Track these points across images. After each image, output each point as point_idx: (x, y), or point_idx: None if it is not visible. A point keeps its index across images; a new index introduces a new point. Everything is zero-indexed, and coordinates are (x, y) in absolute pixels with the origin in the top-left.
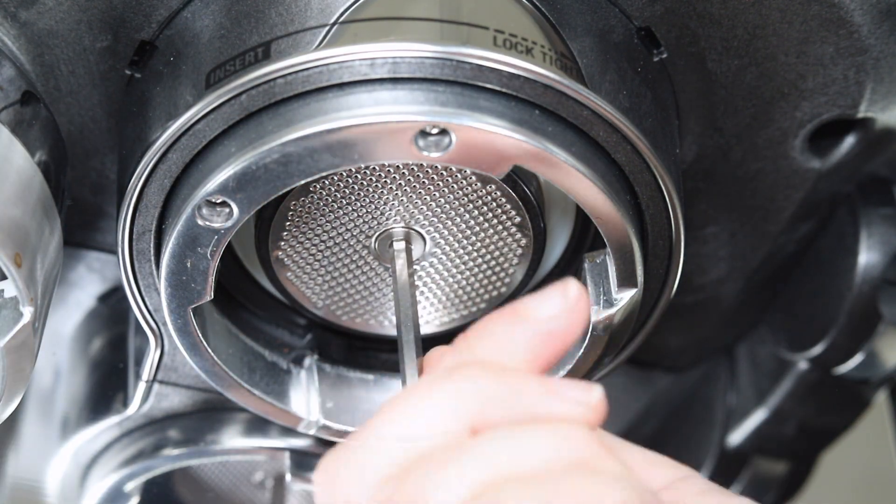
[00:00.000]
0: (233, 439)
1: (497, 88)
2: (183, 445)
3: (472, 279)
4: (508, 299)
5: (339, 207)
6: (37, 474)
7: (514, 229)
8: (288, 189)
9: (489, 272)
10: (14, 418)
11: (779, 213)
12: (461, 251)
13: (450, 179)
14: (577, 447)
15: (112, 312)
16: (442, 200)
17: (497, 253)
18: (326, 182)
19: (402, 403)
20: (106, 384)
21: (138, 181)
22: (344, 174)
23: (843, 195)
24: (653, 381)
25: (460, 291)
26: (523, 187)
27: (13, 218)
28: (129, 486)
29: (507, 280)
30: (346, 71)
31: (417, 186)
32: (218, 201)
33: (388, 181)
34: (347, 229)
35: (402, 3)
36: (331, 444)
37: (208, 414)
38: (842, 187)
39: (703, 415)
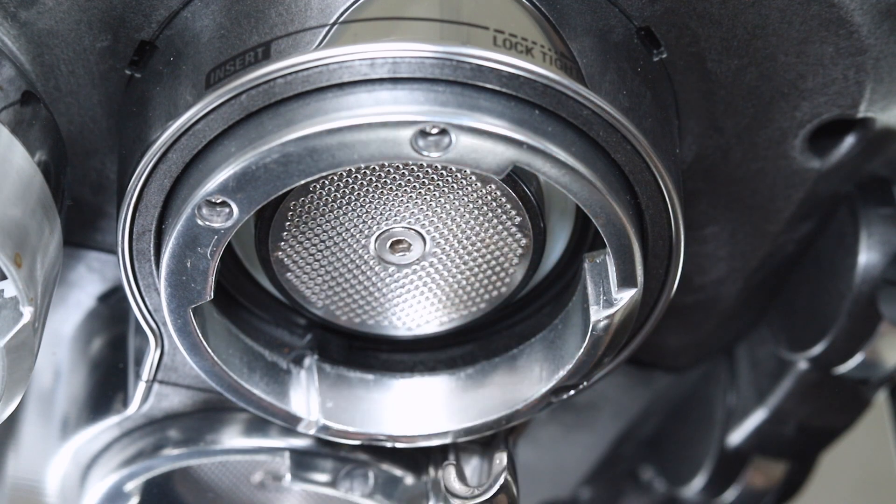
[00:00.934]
0: (233, 439)
1: (497, 88)
2: (183, 445)
3: (472, 279)
4: (508, 299)
5: (339, 207)
6: (37, 474)
7: (514, 229)
8: (288, 189)
9: (489, 272)
10: (14, 418)
11: (779, 213)
12: (461, 251)
13: (450, 179)
14: None
15: (112, 312)
16: (442, 200)
17: (497, 253)
18: (326, 182)
19: None
20: (106, 384)
21: (138, 181)
22: (344, 174)
23: (843, 195)
24: (653, 381)
25: (460, 291)
26: (523, 187)
27: (13, 218)
28: (129, 486)
29: (507, 280)
30: (346, 71)
31: (417, 186)
32: (218, 201)
33: (388, 181)
34: (347, 229)
35: (402, 3)
36: (331, 444)
37: (208, 414)
38: (842, 187)
39: (703, 415)
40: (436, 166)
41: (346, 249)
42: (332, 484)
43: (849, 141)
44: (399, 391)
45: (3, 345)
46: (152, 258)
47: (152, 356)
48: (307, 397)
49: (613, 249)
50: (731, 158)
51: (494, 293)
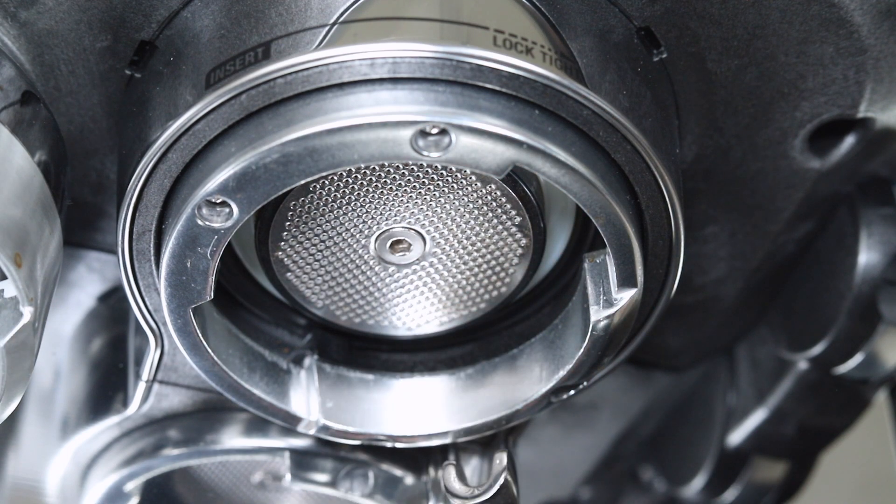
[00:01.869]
0: (233, 439)
1: (497, 88)
2: (183, 445)
3: (472, 279)
4: (508, 299)
5: (339, 207)
6: (37, 474)
7: (514, 229)
8: (288, 189)
9: (489, 272)
10: (14, 418)
11: (779, 212)
12: (461, 251)
13: (450, 179)
14: None
15: (112, 312)
16: (442, 200)
17: (497, 253)
18: (326, 182)
19: None
20: (106, 384)
21: (138, 181)
22: (344, 174)
23: (843, 195)
24: (653, 381)
25: (460, 291)
26: (523, 187)
27: (13, 218)
28: (129, 486)
29: (507, 280)
30: (346, 71)
31: (417, 186)
32: (218, 201)
33: (388, 181)
34: (347, 229)
35: (402, 3)
36: (331, 444)
37: (208, 414)
38: (842, 187)
39: (703, 415)
40: (436, 166)
41: (346, 249)
42: (332, 484)
43: (849, 141)
44: (399, 391)
45: (3, 345)
46: (152, 258)
47: (152, 356)
48: (307, 397)
49: (613, 249)
50: (731, 158)
51: (494, 293)
